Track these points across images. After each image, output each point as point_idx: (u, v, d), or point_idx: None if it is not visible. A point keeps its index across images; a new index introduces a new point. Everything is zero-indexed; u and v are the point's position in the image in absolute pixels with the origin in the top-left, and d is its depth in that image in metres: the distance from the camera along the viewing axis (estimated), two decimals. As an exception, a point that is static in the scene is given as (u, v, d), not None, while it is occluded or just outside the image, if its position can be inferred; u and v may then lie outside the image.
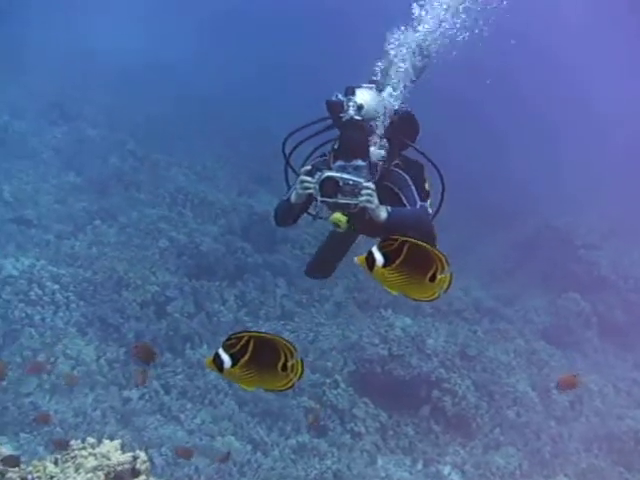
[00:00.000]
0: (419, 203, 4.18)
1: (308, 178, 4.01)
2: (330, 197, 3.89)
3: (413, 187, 4.25)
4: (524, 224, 15.37)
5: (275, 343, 2.71)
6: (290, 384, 2.79)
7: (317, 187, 3.94)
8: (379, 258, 2.96)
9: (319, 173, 3.96)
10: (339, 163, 3.98)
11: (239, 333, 2.68)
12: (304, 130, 4.34)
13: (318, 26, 28.08)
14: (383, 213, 3.96)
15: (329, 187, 3.91)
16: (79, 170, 13.66)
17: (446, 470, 9.36)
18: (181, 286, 10.48)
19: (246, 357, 2.67)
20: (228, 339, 2.69)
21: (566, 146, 20.36)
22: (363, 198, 3.91)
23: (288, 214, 4.35)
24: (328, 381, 9.70)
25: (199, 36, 24.80)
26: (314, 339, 10.53)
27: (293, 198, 4.15)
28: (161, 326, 9.89)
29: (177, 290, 10.41)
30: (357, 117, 4.12)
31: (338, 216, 4.01)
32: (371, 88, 4.40)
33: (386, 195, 4.12)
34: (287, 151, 4.35)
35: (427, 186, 4.44)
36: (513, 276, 14.03)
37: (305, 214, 4.39)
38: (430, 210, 4.36)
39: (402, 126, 4.40)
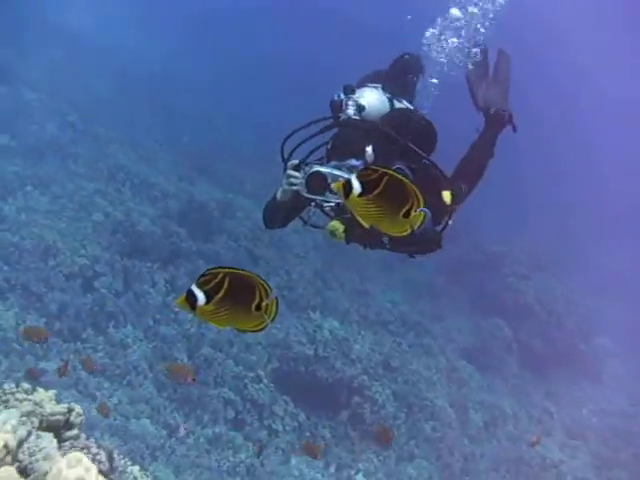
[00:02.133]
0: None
1: (295, 173, 3.82)
2: (317, 194, 3.71)
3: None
4: (456, 246, 15.60)
5: (251, 281, 2.57)
6: (263, 325, 2.66)
7: (304, 182, 3.75)
8: (356, 186, 2.86)
9: (306, 168, 3.78)
10: (332, 163, 3.78)
11: (214, 269, 2.53)
12: (303, 131, 4.06)
13: (305, 26, 28.08)
14: None
15: (316, 183, 3.71)
16: (14, 134, 13.17)
17: (358, 476, 9.35)
18: (112, 263, 10.20)
19: (220, 294, 2.53)
20: (203, 275, 2.53)
21: (507, 177, 20.83)
22: None
23: (275, 214, 4.14)
24: (251, 375, 9.57)
25: (182, 30, 24.52)
26: (239, 332, 10.37)
27: (279, 195, 3.96)
28: (86, 301, 9.59)
29: (107, 266, 10.13)
30: (355, 117, 3.99)
31: (335, 224, 3.84)
32: (376, 88, 4.29)
33: None
34: (286, 154, 4.01)
35: (445, 197, 4.18)
36: (440, 295, 14.20)
37: (297, 219, 4.17)
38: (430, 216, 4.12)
39: (416, 133, 4.13)
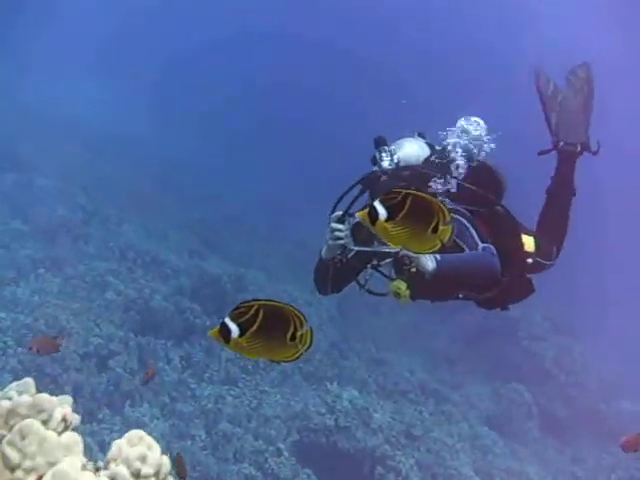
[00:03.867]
0: (480, 245, 3.76)
1: (339, 225, 3.59)
2: (365, 245, 3.54)
3: (471, 228, 3.81)
4: (469, 313, 15.49)
5: (285, 312, 2.55)
6: (297, 355, 2.63)
7: (349, 234, 3.58)
8: (382, 212, 2.83)
9: (351, 219, 3.58)
10: None
11: (248, 302, 2.51)
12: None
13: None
14: (430, 262, 3.47)
15: (363, 232, 3.51)
16: (26, 218, 13.30)
17: None
18: (126, 341, 10.11)
19: (255, 327, 2.51)
20: (236, 308, 2.52)
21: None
22: None
23: (324, 276, 3.85)
24: (271, 449, 9.38)
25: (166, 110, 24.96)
26: (257, 406, 10.22)
27: (324, 253, 3.76)
28: (101, 380, 9.48)
29: (122, 344, 10.04)
30: (390, 167, 3.82)
31: (397, 284, 3.66)
32: (413, 137, 4.13)
33: (446, 248, 3.49)
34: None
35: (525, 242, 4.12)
36: (458, 363, 14.03)
37: (354, 283, 3.93)
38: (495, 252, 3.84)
39: (479, 178, 3.99)
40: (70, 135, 17.97)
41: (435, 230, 2.87)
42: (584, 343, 14.41)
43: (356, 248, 3.59)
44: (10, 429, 1.63)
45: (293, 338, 2.57)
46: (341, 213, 3.65)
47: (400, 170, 3.88)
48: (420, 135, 4.19)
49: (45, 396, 1.72)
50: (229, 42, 32.75)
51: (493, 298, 4.07)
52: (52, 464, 1.55)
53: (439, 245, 2.94)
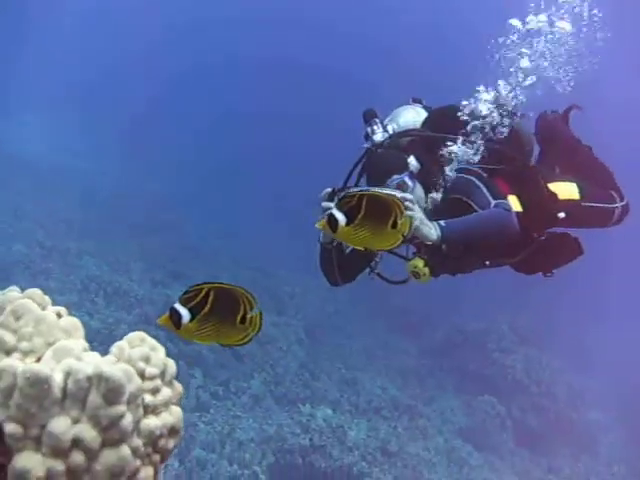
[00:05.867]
0: (493, 202, 3.50)
1: (330, 203, 3.28)
2: None
3: (483, 187, 3.57)
4: (436, 329, 15.54)
5: (235, 294, 2.48)
6: (247, 338, 2.57)
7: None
8: (341, 218, 2.83)
9: (341, 195, 3.35)
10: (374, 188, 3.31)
11: (198, 285, 2.45)
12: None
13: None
14: (432, 230, 3.26)
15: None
16: (-18, 258, 12.95)
17: None
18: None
19: (205, 309, 2.43)
20: (186, 292, 2.44)
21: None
22: None
23: (329, 264, 3.63)
24: (247, 472, 9.17)
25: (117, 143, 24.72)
26: (231, 431, 10.01)
27: (322, 236, 3.55)
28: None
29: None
30: (382, 139, 3.62)
31: (413, 263, 3.48)
32: (409, 105, 3.94)
33: (459, 211, 3.48)
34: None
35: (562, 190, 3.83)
36: (428, 378, 13.97)
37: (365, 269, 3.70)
38: (513, 205, 3.60)
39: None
40: (20, 171, 17.68)
41: (394, 225, 2.88)
42: (550, 353, 14.47)
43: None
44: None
45: (243, 321, 2.52)
46: (330, 190, 3.49)
47: (397, 138, 3.69)
48: (416, 101, 4.05)
49: (37, 291, 1.61)
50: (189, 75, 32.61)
51: (529, 260, 3.84)
52: (52, 345, 1.44)
53: (401, 239, 2.94)
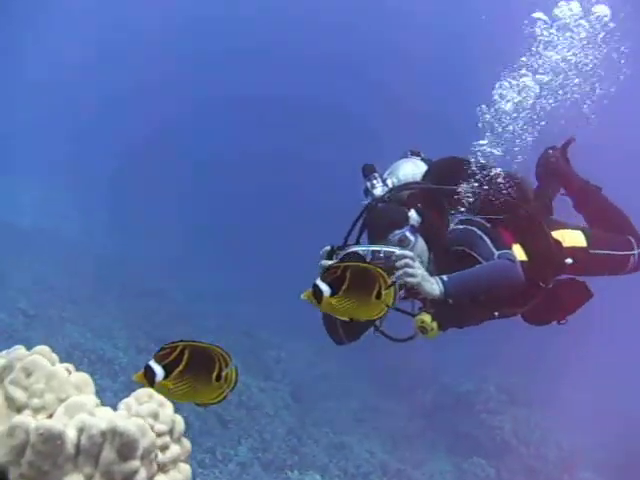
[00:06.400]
0: (496, 253, 3.47)
1: (328, 262, 3.32)
2: None
3: (486, 237, 3.54)
4: (425, 391, 15.41)
5: (210, 351, 2.51)
6: (222, 396, 2.58)
7: None
8: (325, 289, 2.87)
9: (340, 253, 3.39)
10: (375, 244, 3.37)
11: (173, 343, 2.47)
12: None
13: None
14: (434, 286, 3.24)
15: None
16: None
17: None
18: (76, 440, 9.68)
19: (180, 367, 2.45)
20: (161, 349, 2.49)
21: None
22: (400, 272, 3.21)
23: (332, 322, 3.55)
24: (235, 542, 8.98)
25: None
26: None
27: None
28: None
29: (71, 444, 9.60)
30: (382, 194, 3.62)
31: (421, 317, 3.44)
32: (408, 158, 3.94)
33: (462, 263, 3.46)
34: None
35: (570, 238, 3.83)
36: (417, 441, 13.78)
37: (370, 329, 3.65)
38: (518, 255, 3.58)
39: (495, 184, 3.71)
40: (4, 236, 17.60)
41: (378, 296, 2.89)
42: (539, 413, 14.38)
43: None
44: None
45: (218, 378, 2.53)
46: (329, 248, 3.48)
47: (397, 191, 3.68)
48: (414, 153, 4.05)
49: (45, 348, 1.60)
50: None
51: (539, 310, 3.80)
52: (63, 401, 1.42)
53: (385, 309, 2.94)
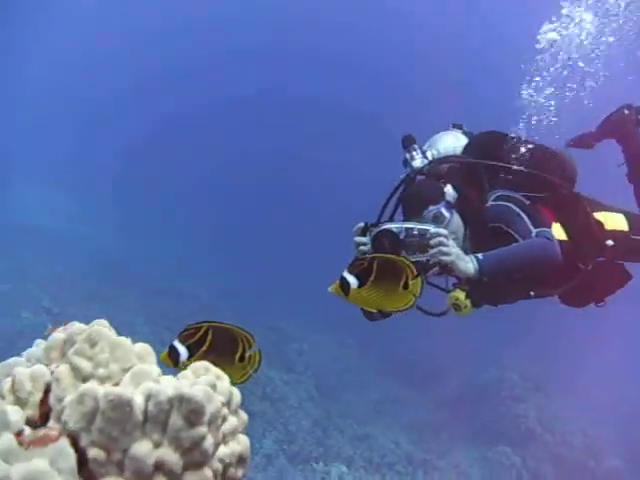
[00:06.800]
0: (534, 231, 3.38)
1: (362, 238, 3.33)
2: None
3: (524, 215, 3.44)
4: (447, 381, 15.37)
5: (233, 332, 2.54)
6: (246, 377, 2.59)
7: (371, 245, 3.32)
8: (353, 281, 2.89)
9: (374, 230, 3.36)
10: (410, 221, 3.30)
11: (197, 323, 2.51)
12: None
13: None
14: (469, 264, 3.19)
15: (386, 242, 3.26)
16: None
17: None
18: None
19: (204, 347, 2.48)
20: (185, 330, 2.52)
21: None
22: (434, 250, 3.17)
23: None
24: (264, 533, 9.01)
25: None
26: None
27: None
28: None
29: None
30: (421, 165, 3.55)
31: (454, 295, 3.39)
32: (449, 131, 3.86)
33: (499, 240, 3.38)
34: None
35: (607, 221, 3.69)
36: (441, 431, 13.75)
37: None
38: (557, 234, 3.49)
39: (539, 161, 3.63)
40: (21, 239, 17.74)
41: (406, 286, 2.90)
42: (563, 400, 14.31)
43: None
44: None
45: (242, 359, 2.55)
46: (363, 225, 3.43)
47: (436, 164, 3.61)
48: (455, 126, 3.97)
49: (103, 320, 1.61)
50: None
51: (577, 291, 3.69)
52: (128, 371, 1.43)
53: (413, 299, 2.94)
